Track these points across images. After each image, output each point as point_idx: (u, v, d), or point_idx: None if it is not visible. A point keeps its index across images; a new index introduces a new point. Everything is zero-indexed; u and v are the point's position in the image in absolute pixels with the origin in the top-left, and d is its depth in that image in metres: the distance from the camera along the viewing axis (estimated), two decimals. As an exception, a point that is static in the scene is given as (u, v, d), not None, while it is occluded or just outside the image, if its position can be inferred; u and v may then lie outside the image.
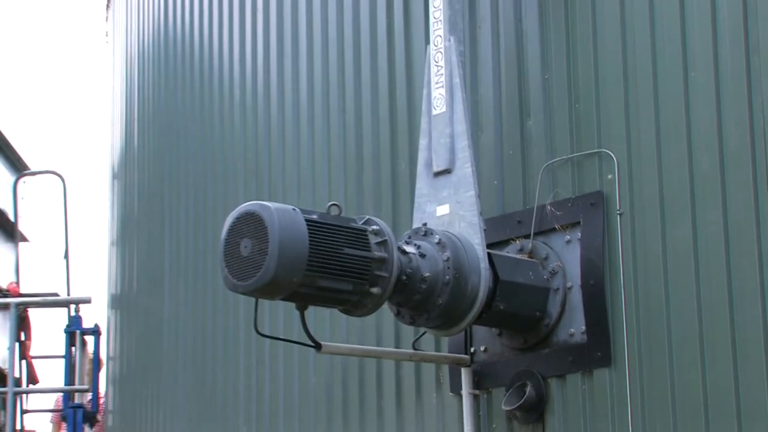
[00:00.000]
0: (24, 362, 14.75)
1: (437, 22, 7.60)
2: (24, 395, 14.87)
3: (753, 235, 6.70)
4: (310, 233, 6.55)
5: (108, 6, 14.44)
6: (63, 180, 14.67)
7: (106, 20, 14.71)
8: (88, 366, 13.67)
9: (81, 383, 13.31)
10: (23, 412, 14.72)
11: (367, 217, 6.93)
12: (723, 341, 6.70)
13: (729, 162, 6.84)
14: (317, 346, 6.98)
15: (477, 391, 7.62)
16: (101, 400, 13.47)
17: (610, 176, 7.21)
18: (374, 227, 6.83)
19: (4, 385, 13.76)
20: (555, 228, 7.41)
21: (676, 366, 6.86)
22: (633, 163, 7.17)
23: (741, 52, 6.90)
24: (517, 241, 7.54)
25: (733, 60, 6.91)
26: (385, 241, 6.80)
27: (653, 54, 7.20)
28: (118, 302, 13.11)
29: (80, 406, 13.25)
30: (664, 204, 7.03)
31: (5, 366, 14.51)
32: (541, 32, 7.70)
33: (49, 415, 15.50)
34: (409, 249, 7.04)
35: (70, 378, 13.29)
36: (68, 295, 13.97)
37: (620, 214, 7.16)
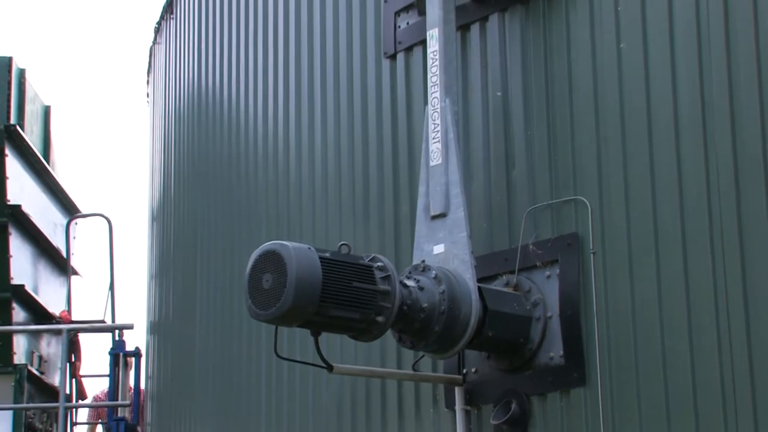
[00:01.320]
0: (74, 380, 14.72)
1: (434, 86, 7.61)
2: (74, 410, 14.83)
3: (710, 273, 6.68)
4: (323, 269, 6.56)
5: (149, 71, 14.47)
6: (109, 222, 14.69)
7: (147, 83, 14.74)
8: (129, 384, 13.63)
9: (123, 399, 13.25)
10: (73, 424, 14.69)
11: (373, 255, 6.94)
12: (683, 365, 6.68)
13: (688, 209, 6.82)
14: (329, 368, 6.97)
15: (469, 407, 7.58)
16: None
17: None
18: (379, 264, 6.83)
19: (57, 401, 13.72)
20: (536, 265, 7.39)
21: (641, 385, 6.82)
22: (604, 209, 7.15)
23: (698, 110, 6.89)
24: (504, 276, 7.52)
25: (690, 118, 6.90)
26: (389, 276, 6.80)
27: (621, 113, 7.19)
28: (156, 328, 13.08)
29: (123, 419, 13.20)
30: (631, 245, 7.01)
31: (58, 383, 14.47)
32: (524, 94, 7.68)
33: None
34: (410, 283, 7.04)
35: (114, 394, 13.24)
36: (113, 321, 13.95)
37: (593, 254, 7.14)
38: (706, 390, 6.56)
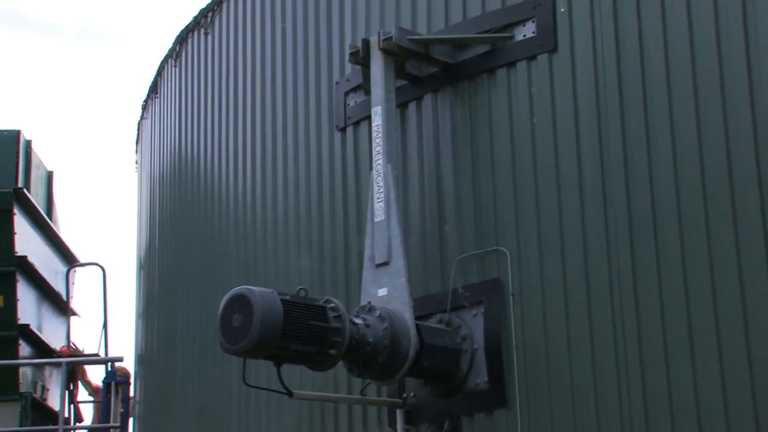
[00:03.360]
0: (72, 406, 14.48)
1: (378, 154, 7.58)
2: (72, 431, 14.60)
3: (609, 314, 6.72)
4: (284, 310, 6.52)
5: (137, 142, 14.40)
6: (103, 269, 14.51)
7: (136, 153, 14.65)
8: (120, 408, 13.42)
9: (114, 422, 13.06)
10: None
11: (327, 297, 6.90)
12: (587, 388, 6.69)
13: (591, 258, 6.86)
14: (290, 394, 6.94)
15: (408, 427, 7.50)
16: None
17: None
18: (332, 305, 6.79)
19: (57, 424, 13.52)
20: (465, 305, 7.35)
21: (553, 407, 6.82)
22: (521, 258, 7.15)
23: (598, 174, 6.93)
24: (437, 315, 7.47)
25: (592, 180, 6.94)
26: (340, 315, 6.77)
27: (534, 177, 7.20)
28: (142, 360, 12.93)
29: (113, 439, 13.02)
30: (544, 288, 7.02)
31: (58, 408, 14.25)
32: (454, 161, 7.67)
33: None
34: (358, 321, 7.00)
35: (106, 417, 13.04)
36: (106, 355, 13.74)
37: (512, 295, 7.12)
38: (607, 414, 6.58)
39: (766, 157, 6.34)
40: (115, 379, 12.79)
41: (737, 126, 6.46)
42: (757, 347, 6.19)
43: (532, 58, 7.34)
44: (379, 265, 7.36)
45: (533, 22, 7.37)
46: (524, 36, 7.42)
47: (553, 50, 7.24)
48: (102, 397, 12.94)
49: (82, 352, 14.55)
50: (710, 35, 6.63)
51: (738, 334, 6.24)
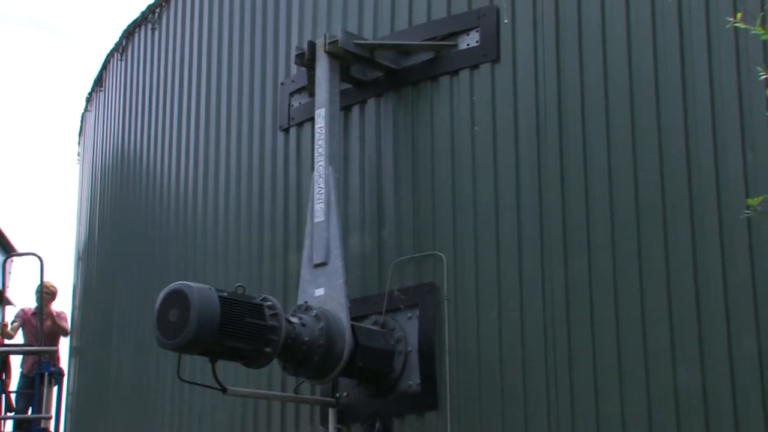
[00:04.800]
0: (3, 395, 14.28)
1: (320, 156, 7.59)
2: (2, 421, 14.39)
3: (540, 318, 6.76)
4: (221, 306, 6.51)
5: (80, 134, 14.28)
6: (41, 260, 14.28)
7: (78, 144, 14.53)
8: (52, 398, 13.26)
9: (47, 412, 12.88)
10: (1, 432, 14.25)
11: (264, 295, 6.90)
12: (517, 392, 6.74)
13: (526, 263, 6.91)
14: (224, 390, 6.93)
15: (340, 426, 7.51)
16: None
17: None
18: (269, 303, 6.78)
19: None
20: (400, 308, 7.37)
21: (483, 410, 6.85)
22: (457, 263, 7.19)
23: (535, 182, 6.97)
24: (373, 317, 7.47)
25: (529, 188, 6.99)
26: (277, 313, 6.76)
27: (473, 184, 7.24)
28: (77, 352, 12.82)
29: (45, 429, 12.83)
30: (478, 294, 7.06)
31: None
32: (395, 166, 7.69)
33: None
34: (294, 320, 6.99)
35: (38, 407, 12.87)
36: (40, 345, 13.54)
37: (447, 300, 7.15)
38: (536, 419, 6.63)
39: (698, 166, 6.43)
40: (49, 369, 12.62)
41: (670, 134, 6.55)
42: (681, 350, 6.27)
43: (475, 67, 7.39)
44: (317, 266, 7.37)
45: (477, 31, 7.43)
46: (468, 45, 7.47)
47: (496, 60, 7.30)
48: (35, 387, 12.76)
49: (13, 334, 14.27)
50: (648, 48, 6.72)
51: (664, 341, 6.31)
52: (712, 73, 6.47)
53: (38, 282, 12.74)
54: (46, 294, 12.87)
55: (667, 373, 6.27)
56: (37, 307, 12.78)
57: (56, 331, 12.99)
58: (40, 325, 12.53)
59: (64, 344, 13.27)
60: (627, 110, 6.72)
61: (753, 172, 6.25)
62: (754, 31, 4.63)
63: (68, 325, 13.02)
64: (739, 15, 5.09)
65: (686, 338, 6.26)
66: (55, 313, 13.04)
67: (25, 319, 13.08)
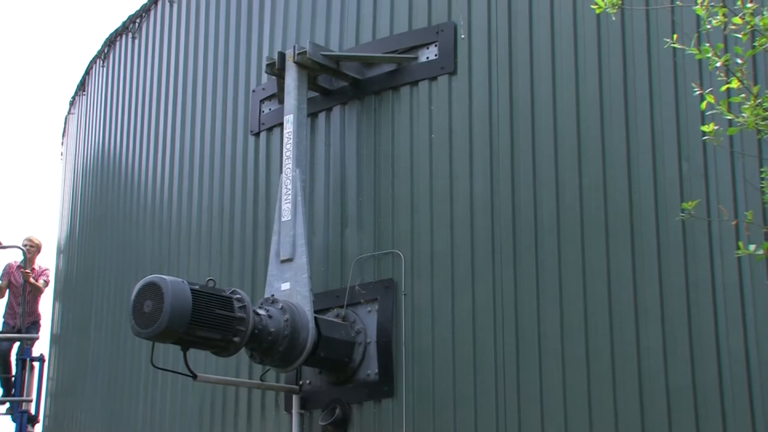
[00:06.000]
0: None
1: (288, 159, 7.64)
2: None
3: (491, 313, 6.86)
4: (193, 298, 6.56)
5: (63, 135, 14.26)
6: (24, 253, 14.29)
7: (61, 144, 14.49)
8: (34, 382, 13.19)
9: (28, 396, 12.84)
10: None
11: (233, 288, 6.96)
12: (468, 381, 6.84)
13: (478, 262, 7.01)
14: (194, 376, 6.98)
15: (303, 411, 7.59)
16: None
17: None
18: (238, 296, 6.85)
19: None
20: (361, 302, 7.44)
21: (436, 398, 6.95)
22: (414, 261, 7.28)
23: (487, 187, 7.06)
24: (335, 310, 7.54)
25: (482, 193, 7.08)
26: (245, 306, 6.82)
27: (430, 188, 7.33)
28: (57, 339, 12.75)
29: (26, 411, 12.80)
30: (433, 290, 7.15)
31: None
32: (357, 169, 7.76)
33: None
34: (261, 312, 7.04)
35: (20, 391, 12.82)
36: (23, 333, 13.54)
37: (405, 295, 7.24)
38: (485, 405, 6.74)
39: (638, 174, 6.51)
40: (30, 356, 12.64)
41: (613, 143, 6.65)
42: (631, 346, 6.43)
43: (434, 78, 7.52)
44: (283, 261, 7.44)
45: (436, 45, 7.56)
46: (427, 58, 7.60)
47: (453, 72, 7.42)
48: (16, 372, 12.75)
49: None
50: (593, 64, 6.85)
51: (605, 345, 6.44)
52: (652, 88, 6.57)
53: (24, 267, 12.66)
54: (30, 247, 12.68)
55: (606, 356, 6.40)
56: (22, 261, 12.62)
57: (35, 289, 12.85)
58: (24, 285, 12.42)
59: (44, 333, 13.18)
60: (573, 121, 6.83)
61: (688, 180, 6.33)
62: (689, 51, 4.69)
63: (43, 281, 12.77)
64: (674, 36, 5.21)
65: (624, 328, 6.40)
66: (38, 270, 12.89)
67: (10, 274, 12.92)
